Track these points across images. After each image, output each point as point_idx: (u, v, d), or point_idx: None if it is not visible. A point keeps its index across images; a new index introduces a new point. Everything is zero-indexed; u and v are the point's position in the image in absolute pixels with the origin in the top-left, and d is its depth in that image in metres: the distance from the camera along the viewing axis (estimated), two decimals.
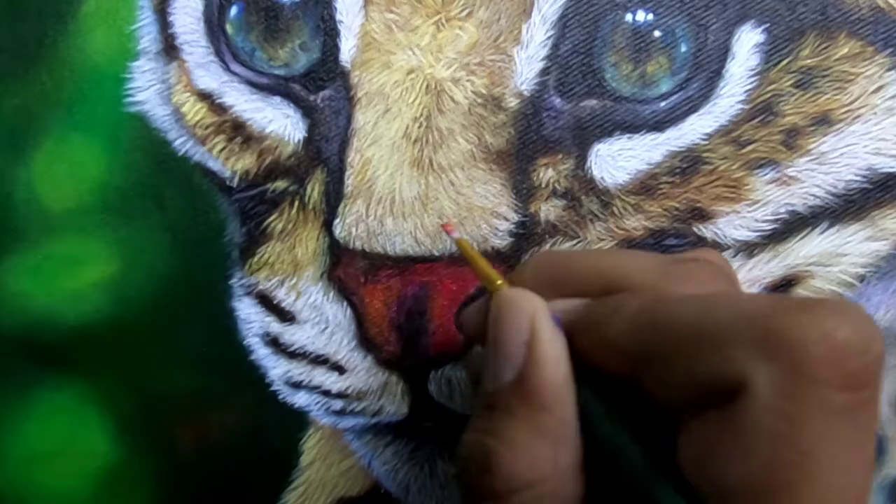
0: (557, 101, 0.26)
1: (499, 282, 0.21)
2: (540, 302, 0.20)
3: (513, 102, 0.26)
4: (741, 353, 0.17)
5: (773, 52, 0.26)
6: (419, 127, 0.26)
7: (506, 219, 0.26)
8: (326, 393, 0.27)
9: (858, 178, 0.26)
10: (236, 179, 0.27)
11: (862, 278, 0.27)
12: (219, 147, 0.27)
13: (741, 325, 0.17)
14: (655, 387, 0.18)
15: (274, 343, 0.27)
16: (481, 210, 0.26)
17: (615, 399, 0.19)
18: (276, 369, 0.27)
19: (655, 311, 0.18)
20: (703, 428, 0.17)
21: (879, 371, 0.17)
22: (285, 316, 0.27)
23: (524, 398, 0.19)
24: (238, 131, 0.27)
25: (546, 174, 0.26)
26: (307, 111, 0.26)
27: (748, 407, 0.17)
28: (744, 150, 0.26)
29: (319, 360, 0.27)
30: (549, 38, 0.26)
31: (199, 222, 0.27)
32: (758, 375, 0.16)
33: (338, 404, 0.27)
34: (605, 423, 0.19)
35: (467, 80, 0.26)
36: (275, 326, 0.27)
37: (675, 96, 0.26)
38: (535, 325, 0.19)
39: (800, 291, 0.27)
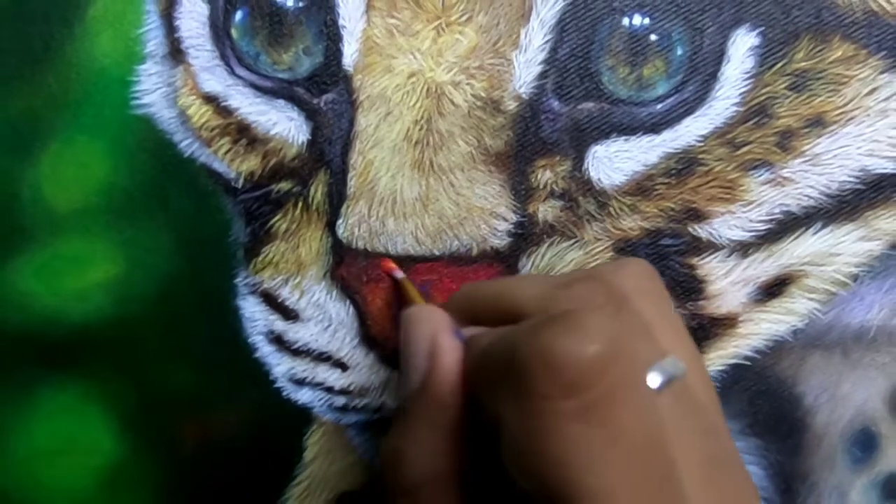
0: (555, 103, 0.26)
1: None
2: (441, 315, 0.22)
3: (511, 105, 0.26)
4: (497, 388, 0.19)
5: (767, 55, 0.26)
6: (420, 129, 0.26)
7: (504, 219, 0.27)
8: (329, 390, 0.28)
9: (852, 179, 0.27)
10: (241, 181, 0.27)
11: (855, 277, 0.27)
12: (224, 149, 0.27)
13: (500, 357, 0.19)
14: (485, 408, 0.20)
15: (278, 341, 0.28)
16: (480, 211, 0.26)
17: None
18: (280, 366, 0.28)
19: (485, 345, 0.20)
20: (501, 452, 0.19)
21: (601, 368, 0.17)
22: (289, 314, 0.27)
23: (427, 400, 0.21)
24: (243, 133, 0.27)
25: (544, 175, 0.27)
26: (311, 114, 0.27)
27: (505, 432, 0.18)
28: (739, 152, 0.26)
29: (322, 358, 0.27)
30: (547, 42, 0.26)
31: (205, 223, 0.27)
32: (505, 404, 0.18)
33: (340, 401, 0.28)
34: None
35: (467, 84, 0.26)
36: (279, 324, 0.27)
37: (671, 99, 0.26)
38: (436, 337, 0.21)
39: (794, 290, 0.27)
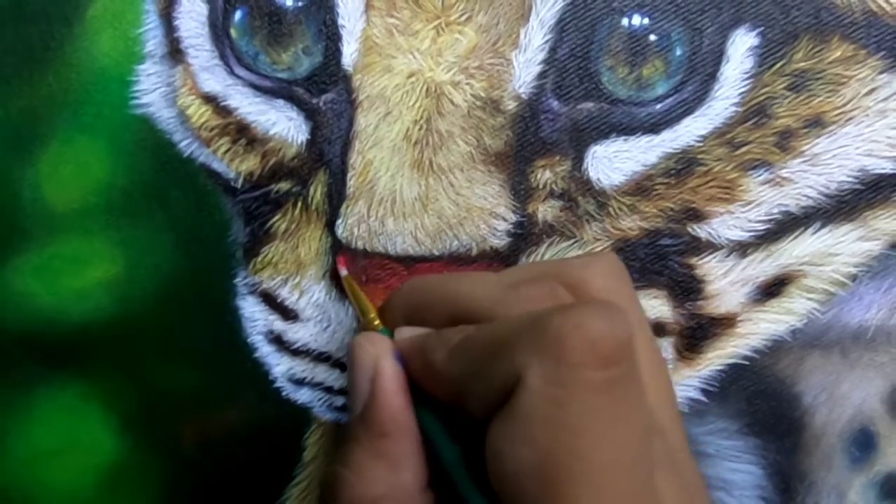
0: (555, 103, 0.26)
1: (371, 315, 0.24)
2: (384, 343, 0.22)
3: (511, 105, 0.26)
4: (518, 352, 0.19)
5: (767, 56, 0.26)
6: (419, 129, 0.26)
7: (504, 219, 0.27)
8: (329, 390, 0.28)
9: (850, 179, 0.27)
10: (240, 180, 0.27)
11: (854, 277, 0.27)
12: (223, 149, 0.27)
13: (521, 330, 0.19)
14: (470, 404, 0.20)
15: (277, 341, 0.28)
16: (480, 211, 0.27)
17: (451, 421, 0.21)
18: (280, 366, 0.28)
19: (467, 338, 0.20)
20: (495, 425, 0.19)
21: (629, 350, 0.19)
22: (288, 314, 0.27)
23: (367, 427, 0.21)
24: (242, 133, 0.27)
25: (543, 175, 0.27)
26: (310, 114, 0.27)
27: (523, 397, 0.19)
28: (738, 152, 0.26)
29: (322, 358, 0.27)
30: (546, 42, 0.26)
31: (204, 222, 0.27)
32: (530, 368, 0.19)
33: (340, 401, 0.28)
34: (438, 441, 0.21)
35: (466, 84, 0.26)
36: (278, 325, 0.27)
37: (671, 99, 0.26)
38: (378, 364, 0.21)
39: (792, 290, 0.27)
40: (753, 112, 0.26)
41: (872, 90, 0.26)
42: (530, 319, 0.19)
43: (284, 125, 0.27)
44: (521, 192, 0.27)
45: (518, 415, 0.19)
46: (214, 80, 0.27)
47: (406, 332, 0.22)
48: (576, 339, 0.18)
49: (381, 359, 0.22)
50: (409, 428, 0.21)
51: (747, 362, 0.28)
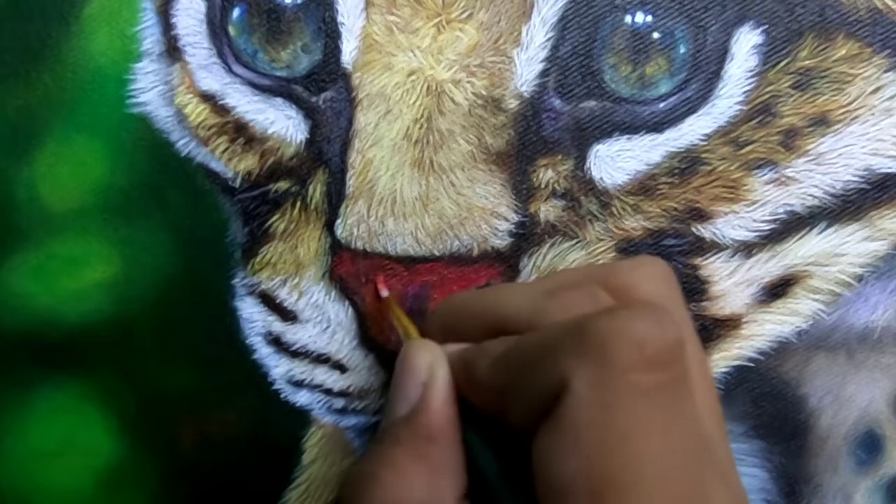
0: (557, 102, 0.26)
1: (414, 336, 0.24)
2: (439, 350, 0.22)
3: (513, 104, 0.26)
4: (562, 359, 0.18)
5: (771, 54, 0.26)
6: (420, 128, 0.26)
7: (506, 219, 0.26)
8: (328, 392, 0.27)
9: (856, 179, 0.27)
10: (238, 180, 0.27)
11: (860, 278, 0.27)
12: (221, 148, 0.27)
13: (564, 336, 0.19)
14: (514, 415, 0.20)
15: (276, 342, 0.27)
16: (481, 210, 0.26)
17: (494, 433, 0.21)
18: (278, 368, 0.28)
19: (510, 348, 0.20)
20: (540, 436, 0.19)
21: (679, 354, 0.18)
22: (287, 315, 0.27)
23: (413, 430, 0.21)
24: (240, 132, 0.27)
25: (546, 175, 0.26)
26: (309, 112, 0.27)
27: (568, 404, 0.18)
28: (742, 151, 0.26)
29: (321, 360, 0.27)
30: (548, 39, 0.26)
31: (202, 223, 0.27)
32: (576, 374, 0.18)
33: (339, 403, 0.27)
34: (481, 453, 0.21)
35: (467, 82, 0.26)
36: (277, 326, 0.27)
37: (674, 97, 0.26)
38: (433, 370, 0.21)
39: (798, 291, 0.27)
40: (758, 111, 0.26)
41: (878, 88, 0.26)
42: (573, 324, 0.19)
43: (283, 124, 0.27)
44: (523, 191, 0.26)
45: (564, 422, 0.18)
46: (212, 78, 0.27)
47: (447, 349, 0.22)
48: (623, 341, 0.18)
49: (436, 365, 0.22)
50: (455, 437, 0.21)
51: (752, 364, 0.28)
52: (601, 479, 0.17)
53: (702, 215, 0.27)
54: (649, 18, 0.26)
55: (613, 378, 0.18)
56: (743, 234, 0.27)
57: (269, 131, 0.27)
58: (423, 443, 0.21)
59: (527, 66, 0.26)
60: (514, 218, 0.26)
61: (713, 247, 0.27)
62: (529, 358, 0.20)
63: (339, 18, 0.26)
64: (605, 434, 0.18)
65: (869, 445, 0.28)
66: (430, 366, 0.22)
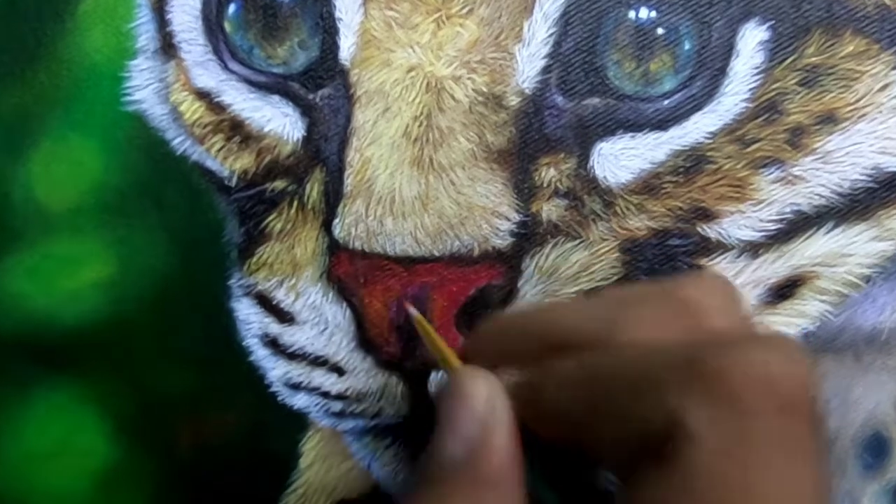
0: (559, 99, 0.26)
1: (456, 366, 0.22)
2: (496, 382, 0.20)
3: (514, 101, 0.26)
4: (673, 394, 0.17)
5: (777, 50, 0.26)
6: (419, 126, 0.26)
7: (507, 218, 0.26)
8: (326, 394, 0.27)
9: (864, 178, 0.26)
10: (235, 179, 0.27)
11: (867, 279, 0.27)
12: (217, 146, 0.27)
13: (671, 367, 0.17)
14: (597, 446, 0.18)
15: (273, 344, 0.27)
16: (482, 210, 0.26)
17: (560, 464, 0.20)
18: (276, 370, 0.27)
19: (589, 369, 0.19)
20: (648, 479, 0.17)
21: (808, 393, 0.17)
22: (284, 317, 0.27)
23: (473, 476, 0.19)
24: (236, 130, 0.27)
25: (548, 173, 0.26)
26: (306, 110, 0.26)
27: (686, 447, 0.16)
28: (748, 149, 0.26)
29: (319, 362, 0.27)
30: (550, 35, 0.26)
31: (198, 222, 0.27)
32: (691, 414, 0.16)
33: (337, 406, 0.27)
34: (545, 494, 0.20)
35: (468, 79, 0.26)
36: (274, 327, 0.27)
37: (679, 94, 0.26)
38: (493, 403, 0.19)
39: (805, 292, 0.27)
40: (764, 108, 0.26)
41: (886, 86, 0.26)
42: (682, 354, 0.17)
43: (280, 122, 0.27)
44: (525, 190, 0.26)
45: (681, 470, 0.16)
46: (208, 75, 0.26)
47: (501, 375, 0.20)
48: (752, 379, 0.16)
49: (495, 398, 0.19)
50: (518, 478, 0.19)
51: None
52: None
53: (707, 215, 0.26)
54: (653, 14, 0.26)
55: (742, 422, 0.16)
56: (749, 234, 0.26)
57: (266, 129, 0.27)
58: (483, 489, 0.19)
59: (528, 62, 0.26)
60: (516, 217, 0.26)
61: (719, 247, 0.26)
62: (623, 386, 0.18)
63: (337, 14, 0.26)
64: (731, 486, 0.16)
65: (876, 448, 0.28)
66: (488, 400, 0.19)
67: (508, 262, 0.26)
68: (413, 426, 0.27)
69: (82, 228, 0.27)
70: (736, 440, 0.16)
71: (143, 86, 0.27)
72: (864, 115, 0.26)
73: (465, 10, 0.26)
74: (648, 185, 0.26)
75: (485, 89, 0.26)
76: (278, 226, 0.27)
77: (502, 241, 0.26)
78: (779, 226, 0.26)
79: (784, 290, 0.27)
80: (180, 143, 0.27)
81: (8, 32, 0.27)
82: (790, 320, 0.27)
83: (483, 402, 0.20)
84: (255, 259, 0.27)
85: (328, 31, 0.26)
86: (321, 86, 0.26)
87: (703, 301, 0.19)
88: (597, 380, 0.18)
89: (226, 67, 0.26)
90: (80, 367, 0.28)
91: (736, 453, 0.16)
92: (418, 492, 0.20)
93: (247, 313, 0.27)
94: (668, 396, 0.17)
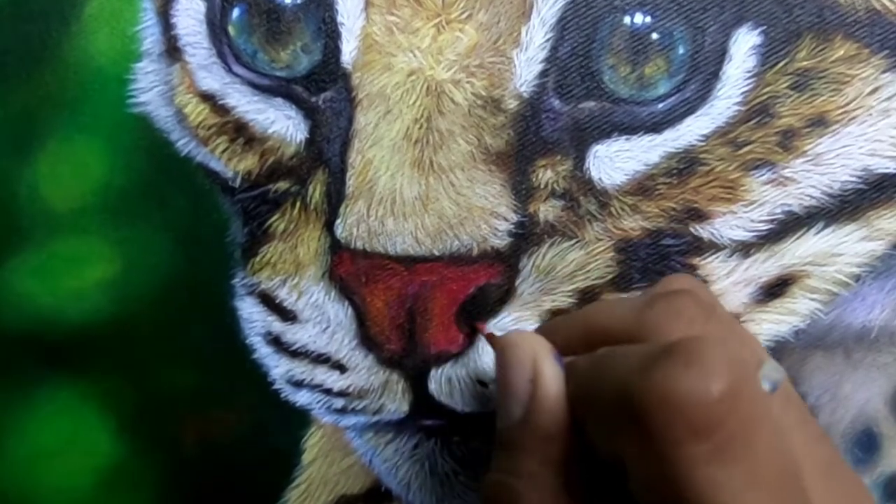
0: (556, 102, 0.26)
1: None
2: (540, 340, 0.21)
3: (512, 104, 0.26)
4: (616, 430, 0.18)
5: (769, 54, 0.26)
6: (420, 128, 0.26)
7: (505, 219, 0.26)
8: (328, 391, 0.27)
9: (854, 179, 0.26)
10: (238, 180, 0.27)
11: (857, 278, 0.27)
12: (221, 148, 0.27)
13: (616, 393, 0.18)
14: (591, 435, 0.19)
15: (276, 342, 0.27)
16: (481, 210, 0.26)
17: None
18: (278, 368, 0.28)
19: (585, 372, 0.20)
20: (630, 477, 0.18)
21: (731, 404, 0.16)
22: (287, 315, 0.27)
23: (532, 432, 0.20)
24: (240, 132, 0.27)
25: (545, 175, 0.26)
26: (309, 112, 0.27)
27: (632, 479, 0.17)
28: (740, 152, 0.26)
29: (321, 359, 0.27)
30: (547, 40, 0.26)
31: (202, 222, 0.27)
32: (626, 451, 0.17)
33: (339, 403, 0.27)
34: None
35: (467, 82, 0.26)
36: (276, 326, 0.27)
37: (673, 98, 0.26)
38: (538, 363, 0.20)
39: (795, 291, 0.27)
40: (756, 111, 0.26)
41: (875, 89, 0.26)
42: (617, 376, 0.18)
43: (283, 124, 0.27)
44: (523, 191, 0.26)
45: (637, 491, 0.17)
46: (212, 78, 0.27)
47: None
48: (663, 412, 0.16)
49: (540, 357, 0.21)
50: (569, 430, 0.20)
51: None
52: None
53: (700, 215, 0.27)
54: (648, 19, 0.26)
55: (667, 452, 0.16)
56: (741, 234, 0.27)
57: (269, 131, 0.27)
58: (544, 444, 0.20)
59: (526, 66, 0.26)
60: (514, 218, 0.26)
61: (711, 247, 0.27)
62: (597, 390, 0.19)
63: (339, 18, 0.26)
64: None
65: (866, 444, 0.28)
66: (533, 359, 0.21)
67: (506, 261, 0.26)
68: (413, 422, 0.27)
69: (87, 228, 0.27)
70: (666, 468, 0.16)
71: (148, 88, 0.27)
72: (854, 118, 0.26)
73: (464, 16, 0.26)
74: (642, 187, 0.26)
75: (483, 93, 0.26)
76: (281, 226, 0.27)
77: (501, 241, 0.26)
78: (770, 226, 0.27)
79: (775, 289, 0.27)
80: (185, 144, 0.27)
81: (14, 35, 0.27)
82: (781, 318, 0.27)
83: (528, 365, 0.20)
84: (258, 258, 0.27)
85: (330, 35, 0.26)
86: (324, 89, 0.26)
87: (709, 294, 0.20)
88: (584, 389, 0.20)
89: (230, 70, 0.26)
90: (85, 365, 0.28)
91: (669, 479, 0.16)
92: (500, 453, 0.21)
93: (250, 312, 0.27)
94: (612, 434, 0.18)
